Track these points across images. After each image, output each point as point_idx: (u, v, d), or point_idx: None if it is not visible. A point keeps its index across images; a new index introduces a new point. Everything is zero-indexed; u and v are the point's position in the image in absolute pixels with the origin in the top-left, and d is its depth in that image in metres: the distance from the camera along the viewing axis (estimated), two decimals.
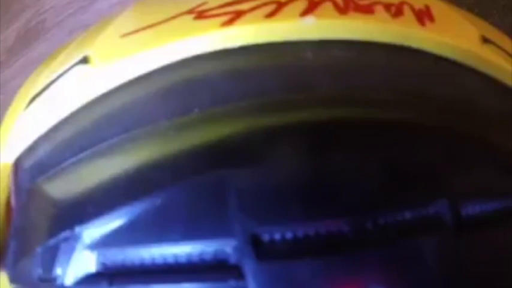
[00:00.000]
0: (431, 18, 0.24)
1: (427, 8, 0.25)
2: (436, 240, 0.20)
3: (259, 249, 0.19)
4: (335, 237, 0.19)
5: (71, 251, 0.20)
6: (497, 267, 0.21)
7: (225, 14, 0.23)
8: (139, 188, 0.20)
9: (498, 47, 0.25)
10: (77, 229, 0.20)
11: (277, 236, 0.19)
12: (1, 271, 0.23)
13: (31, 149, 0.24)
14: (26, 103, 0.25)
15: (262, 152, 0.20)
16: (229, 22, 0.23)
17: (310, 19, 0.23)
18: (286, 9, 0.23)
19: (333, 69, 0.22)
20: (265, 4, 0.23)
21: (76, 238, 0.20)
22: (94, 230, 0.20)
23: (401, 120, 0.21)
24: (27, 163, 0.24)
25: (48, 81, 0.25)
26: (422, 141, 0.21)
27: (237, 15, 0.23)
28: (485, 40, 0.25)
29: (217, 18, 0.23)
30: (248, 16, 0.23)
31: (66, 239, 0.20)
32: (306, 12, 0.23)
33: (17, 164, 0.24)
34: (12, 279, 0.22)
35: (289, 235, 0.19)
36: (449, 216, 0.20)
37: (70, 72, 0.24)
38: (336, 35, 0.23)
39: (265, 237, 0.19)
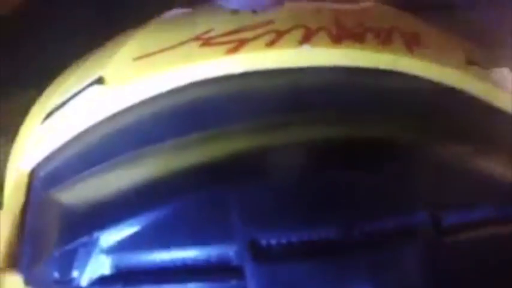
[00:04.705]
0: (419, 43, 0.25)
1: (415, 33, 0.26)
2: (417, 248, 0.21)
3: (257, 253, 0.20)
4: (325, 243, 0.20)
5: (88, 255, 0.21)
6: (477, 275, 0.21)
7: (229, 42, 0.24)
8: (151, 199, 0.21)
9: (483, 68, 0.26)
10: (95, 235, 0.21)
11: (273, 241, 0.20)
12: (13, 274, 0.24)
13: (47, 160, 0.25)
14: (42, 118, 0.27)
15: (261, 168, 0.22)
16: (234, 50, 0.24)
17: (306, 47, 0.24)
18: (285, 38, 0.24)
19: (327, 93, 0.24)
20: (265, 33, 0.24)
21: (94, 243, 0.21)
22: (110, 236, 0.21)
23: (388, 138, 0.23)
24: (43, 173, 0.25)
25: (64, 98, 0.26)
26: (406, 156, 0.22)
27: (241, 44, 0.24)
28: (471, 62, 0.26)
29: (222, 46, 0.24)
30: (250, 44, 0.24)
31: (84, 244, 0.21)
32: (303, 41, 0.24)
33: (33, 174, 0.25)
34: (27, 282, 0.23)
35: (284, 240, 0.20)
36: (430, 225, 0.21)
37: (86, 91, 0.25)
38: (329, 62, 0.24)
39: (263, 243, 0.20)
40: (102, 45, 0.29)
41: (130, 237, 0.21)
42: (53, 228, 0.23)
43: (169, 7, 0.29)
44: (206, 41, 0.25)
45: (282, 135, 0.23)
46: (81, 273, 0.21)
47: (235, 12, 0.27)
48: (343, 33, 0.25)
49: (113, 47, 0.27)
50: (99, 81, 0.25)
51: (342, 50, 0.24)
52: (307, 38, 0.24)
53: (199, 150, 0.22)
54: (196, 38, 0.25)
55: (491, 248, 0.22)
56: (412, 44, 0.25)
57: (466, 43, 0.29)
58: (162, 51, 0.25)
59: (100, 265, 0.21)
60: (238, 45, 0.24)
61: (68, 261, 0.22)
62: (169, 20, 0.28)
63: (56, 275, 0.22)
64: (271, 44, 0.24)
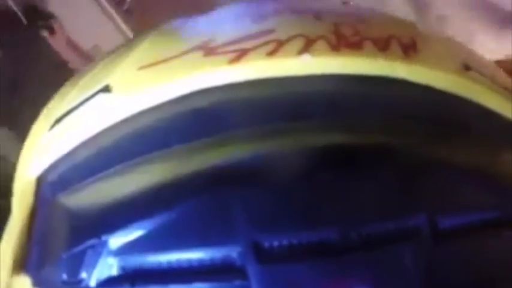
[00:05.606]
0: (416, 50, 0.26)
1: (413, 39, 0.26)
2: (414, 249, 0.21)
3: (260, 254, 0.21)
4: (326, 244, 0.21)
5: (96, 256, 0.22)
6: (476, 278, 0.22)
7: (231, 52, 0.24)
8: (157, 202, 0.22)
9: (479, 73, 0.26)
10: (103, 237, 0.22)
11: (275, 243, 0.21)
12: (22, 276, 0.24)
13: (55, 166, 0.26)
14: (50, 124, 0.27)
15: (263, 172, 0.22)
16: (236, 60, 0.24)
17: (306, 57, 0.24)
18: (285, 48, 0.24)
19: (327, 101, 0.24)
20: (266, 43, 0.25)
21: (102, 245, 0.22)
22: (118, 239, 0.22)
23: (387, 142, 0.23)
24: (51, 178, 0.25)
25: (72, 105, 0.26)
26: (404, 160, 0.23)
27: (243, 53, 0.24)
28: (467, 67, 0.26)
29: (224, 56, 0.24)
30: (252, 54, 0.24)
31: (92, 246, 0.22)
32: (302, 50, 0.24)
33: (42, 179, 0.26)
34: (35, 283, 0.24)
35: (285, 242, 0.21)
36: (427, 228, 0.22)
37: (93, 99, 0.26)
38: (329, 70, 0.24)
39: (266, 244, 0.21)
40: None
41: (138, 239, 0.22)
42: (61, 231, 0.24)
43: None
44: (209, 51, 0.25)
45: (283, 141, 0.23)
46: (89, 274, 0.22)
47: (237, 20, 0.27)
48: (341, 42, 0.25)
49: (119, 56, 0.27)
50: (106, 89, 0.26)
51: (341, 58, 0.25)
52: (306, 47, 0.25)
53: (203, 156, 0.23)
54: (200, 48, 0.25)
55: (490, 251, 0.23)
56: (409, 50, 0.26)
57: (465, 47, 0.29)
58: (166, 60, 0.25)
59: (108, 266, 0.22)
60: (240, 55, 0.24)
61: (76, 263, 0.22)
62: (173, 28, 0.29)
63: (64, 276, 0.22)
64: (272, 53, 0.24)
